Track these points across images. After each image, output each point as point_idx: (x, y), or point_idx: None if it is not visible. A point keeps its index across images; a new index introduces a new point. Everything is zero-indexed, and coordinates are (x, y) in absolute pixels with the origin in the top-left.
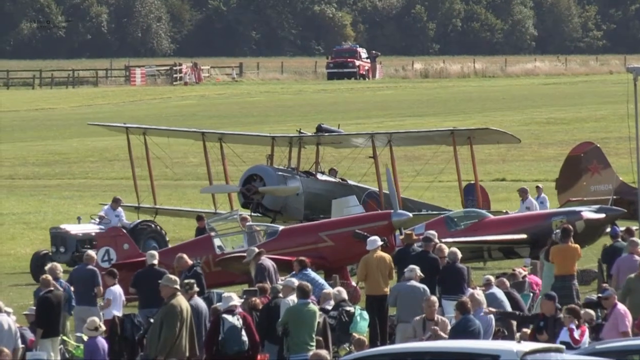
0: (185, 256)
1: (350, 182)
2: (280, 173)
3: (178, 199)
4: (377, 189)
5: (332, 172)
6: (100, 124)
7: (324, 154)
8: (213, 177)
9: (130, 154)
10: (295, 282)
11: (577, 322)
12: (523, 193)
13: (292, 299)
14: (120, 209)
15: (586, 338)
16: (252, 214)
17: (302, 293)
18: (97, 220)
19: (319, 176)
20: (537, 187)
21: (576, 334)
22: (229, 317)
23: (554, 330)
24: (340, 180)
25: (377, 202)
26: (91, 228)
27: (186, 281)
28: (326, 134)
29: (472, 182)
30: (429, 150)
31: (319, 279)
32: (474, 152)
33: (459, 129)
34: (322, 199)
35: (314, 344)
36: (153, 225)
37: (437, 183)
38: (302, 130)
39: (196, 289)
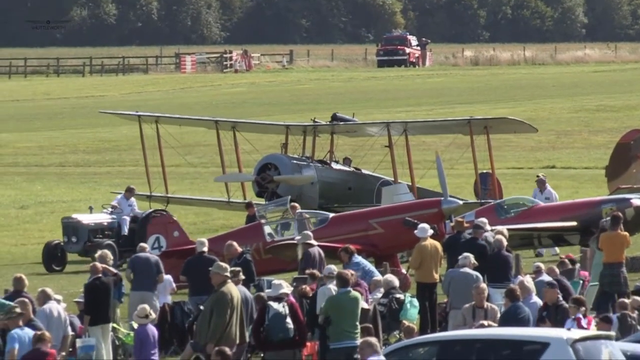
0: (235, 244)
1: (365, 171)
2: (295, 162)
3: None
4: (392, 179)
5: (346, 161)
6: (112, 112)
7: (338, 144)
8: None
9: (143, 143)
10: (335, 269)
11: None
12: (541, 184)
13: (332, 287)
14: (133, 198)
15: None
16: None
17: (342, 281)
18: (110, 209)
19: (334, 165)
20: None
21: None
22: (274, 305)
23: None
24: (355, 170)
25: None
26: (103, 218)
27: (231, 269)
28: (341, 122)
29: (485, 171)
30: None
31: (370, 266)
32: (490, 141)
33: (476, 118)
34: (336, 188)
35: (357, 331)
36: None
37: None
38: (316, 119)
39: (242, 277)
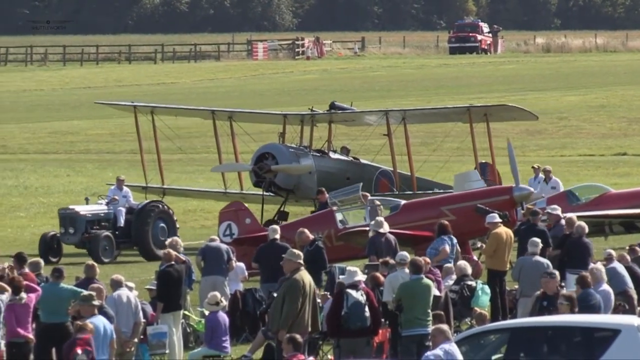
0: (306, 231)
1: (363, 160)
2: (292, 151)
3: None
4: (389, 168)
5: (344, 150)
6: (107, 102)
7: (337, 133)
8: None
9: (138, 133)
10: (408, 256)
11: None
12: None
13: (403, 273)
14: (127, 188)
15: None
16: (265, 193)
17: (415, 268)
18: (106, 200)
19: (332, 154)
20: (544, 169)
21: None
22: (353, 292)
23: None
24: (353, 159)
25: (389, 180)
26: (100, 209)
27: None
28: (339, 111)
29: (484, 162)
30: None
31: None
32: (490, 129)
33: (476, 105)
34: (334, 177)
35: (429, 318)
36: (161, 206)
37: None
38: (314, 108)
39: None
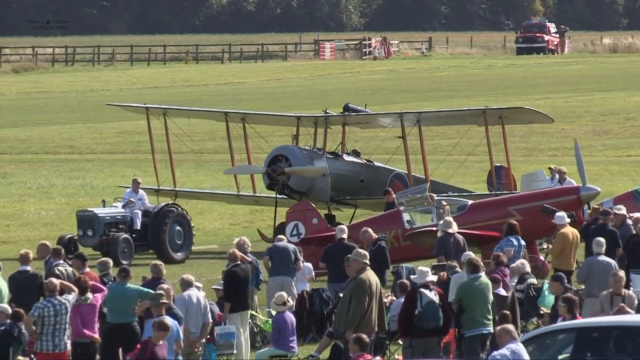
0: (370, 230)
1: (377, 163)
2: (306, 153)
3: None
4: (403, 171)
5: (354, 152)
6: (119, 104)
7: (350, 135)
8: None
9: (150, 135)
10: (474, 256)
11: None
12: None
13: (462, 275)
14: (142, 191)
15: None
16: (278, 196)
17: (472, 267)
18: (122, 202)
19: (345, 157)
20: (559, 170)
21: None
22: (426, 292)
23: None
24: (367, 162)
25: (404, 183)
26: (117, 211)
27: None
28: (353, 113)
29: (499, 164)
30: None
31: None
32: (505, 132)
33: (491, 108)
34: (348, 180)
35: (490, 317)
36: (178, 209)
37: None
38: (328, 110)
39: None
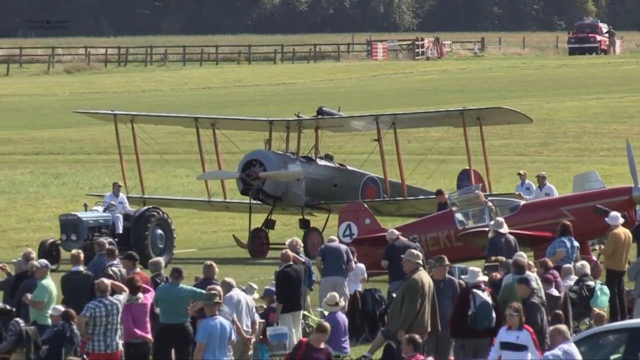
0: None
1: (350, 167)
2: (280, 157)
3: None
4: (376, 175)
5: (327, 157)
6: (86, 111)
7: (322, 138)
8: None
9: (119, 142)
10: (525, 257)
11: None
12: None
13: (509, 276)
14: (122, 195)
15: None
16: (253, 200)
17: (517, 268)
18: (104, 206)
19: (319, 161)
20: (538, 175)
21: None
22: (479, 292)
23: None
24: (340, 166)
25: (377, 186)
26: (100, 215)
27: None
28: (326, 116)
29: (467, 168)
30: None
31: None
32: (483, 133)
33: (469, 108)
34: (322, 184)
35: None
36: (159, 213)
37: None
38: (300, 114)
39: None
